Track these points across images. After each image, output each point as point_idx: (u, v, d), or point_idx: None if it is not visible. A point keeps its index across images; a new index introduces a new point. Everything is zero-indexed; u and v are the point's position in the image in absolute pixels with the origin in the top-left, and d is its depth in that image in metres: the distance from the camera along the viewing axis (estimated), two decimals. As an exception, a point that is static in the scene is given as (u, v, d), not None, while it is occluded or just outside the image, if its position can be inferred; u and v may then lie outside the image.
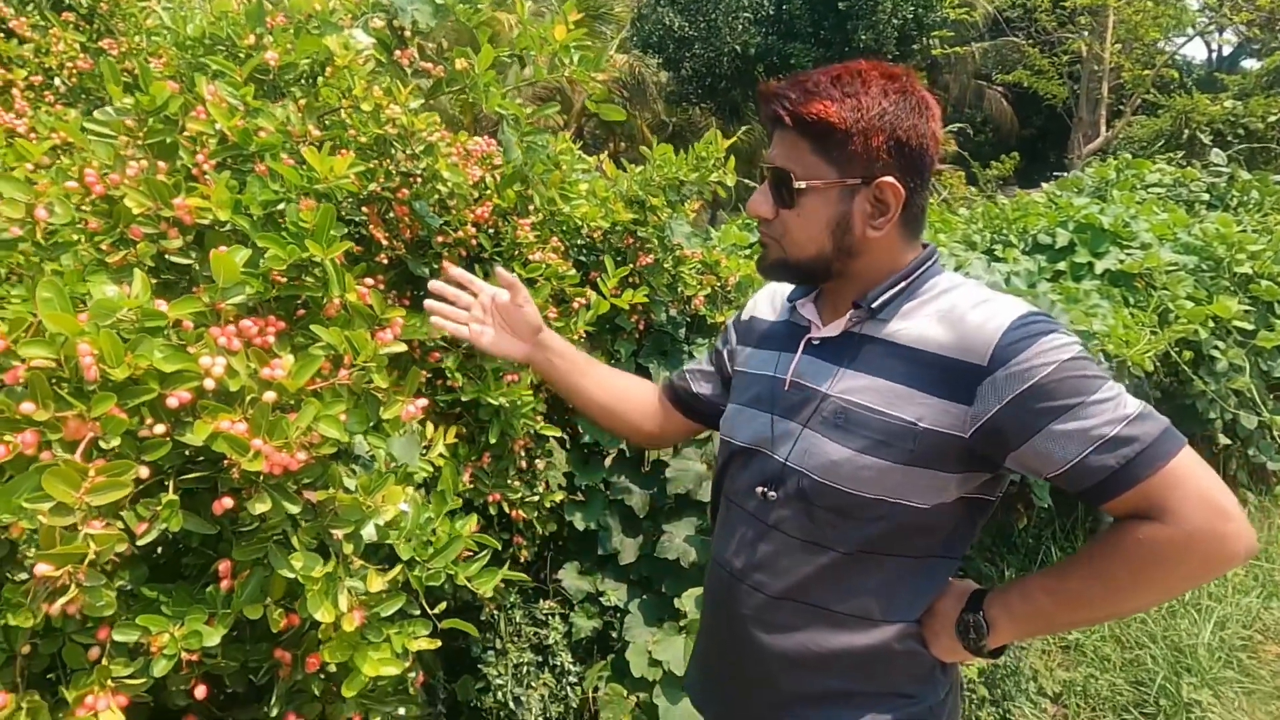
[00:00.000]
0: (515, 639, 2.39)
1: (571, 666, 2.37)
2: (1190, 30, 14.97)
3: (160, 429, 0.98)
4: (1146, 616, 2.89)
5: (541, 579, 2.49)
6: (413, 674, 1.29)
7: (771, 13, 14.22)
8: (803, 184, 1.02)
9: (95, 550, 0.80)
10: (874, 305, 1.06)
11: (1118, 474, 0.90)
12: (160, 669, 0.95)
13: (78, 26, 2.42)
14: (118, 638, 0.96)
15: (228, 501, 1.00)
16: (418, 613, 1.22)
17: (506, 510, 1.94)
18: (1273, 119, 11.24)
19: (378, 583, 1.07)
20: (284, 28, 1.78)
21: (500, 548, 1.34)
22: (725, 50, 14.17)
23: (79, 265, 1.17)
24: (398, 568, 1.13)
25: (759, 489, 1.12)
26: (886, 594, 1.07)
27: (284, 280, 1.24)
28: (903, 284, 1.06)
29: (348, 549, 1.07)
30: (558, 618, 2.43)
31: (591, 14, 17.67)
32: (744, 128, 16.84)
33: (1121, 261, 3.38)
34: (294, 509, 1.01)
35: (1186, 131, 11.59)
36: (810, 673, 1.10)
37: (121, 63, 2.37)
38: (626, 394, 1.42)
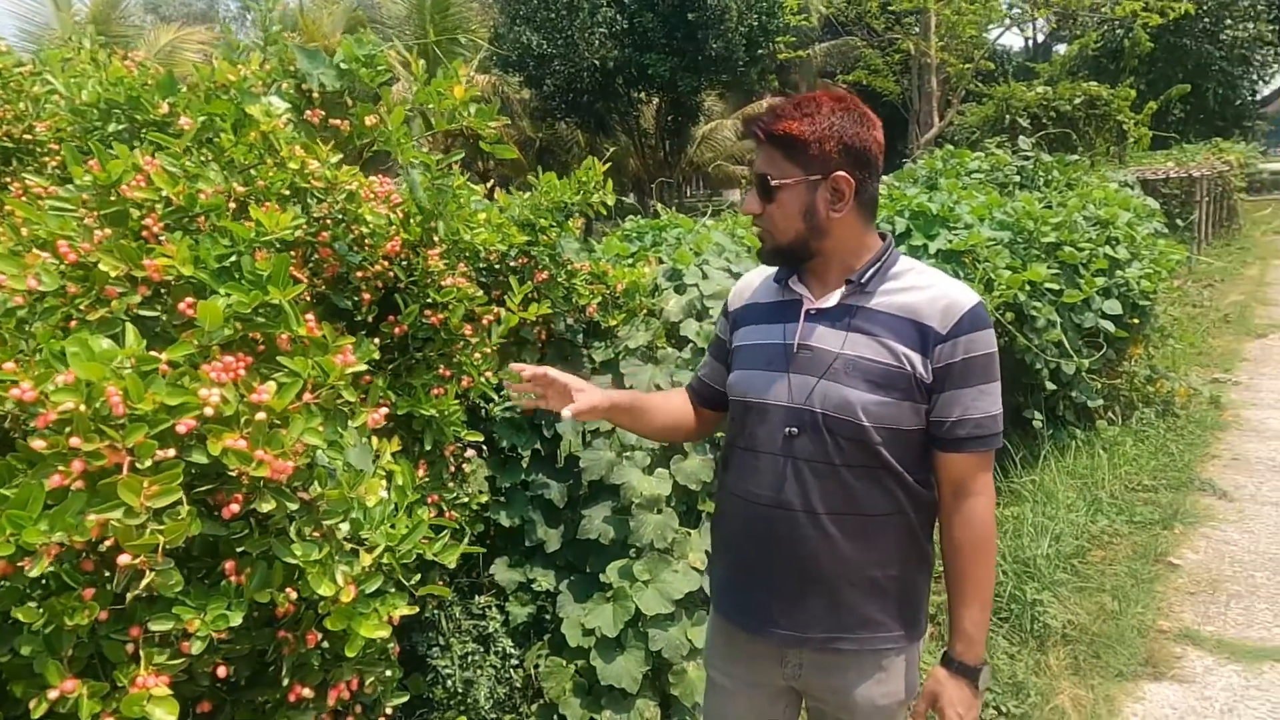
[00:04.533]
0: (457, 634, 2.60)
1: (512, 650, 2.60)
2: (1003, 24, 16.50)
3: (170, 452, 1.18)
4: (999, 539, 3.38)
5: (475, 575, 2.71)
6: (391, 644, 1.52)
7: (626, 26, 14.71)
8: (777, 182, 1.36)
9: (165, 540, 1.01)
10: (863, 281, 1.39)
11: (984, 439, 1.39)
12: (197, 647, 1.15)
13: (-39, 96, 2.45)
14: (154, 627, 1.15)
15: (235, 506, 1.21)
16: (392, 590, 1.45)
17: (444, 510, 2.16)
18: (1078, 101, 12.66)
19: (367, 559, 1.30)
20: (193, 95, 1.96)
21: (456, 528, 1.57)
22: (584, 65, 14.54)
23: (52, 326, 1.34)
24: (379, 548, 1.36)
25: (787, 429, 1.40)
26: (892, 491, 1.40)
27: (241, 323, 1.45)
28: (878, 264, 1.41)
29: (338, 534, 1.29)
30: (494, 609, 2.66)
31: (448, 34, 17.72)
32: (610, 140, 17.30)
33: (950, 241, 3.91)
34: (293, 506, 1.23)
35: (1008, 117, 12.81)
36: (851, 562, 1.39)
37: (1, 128, 2.44)
38: (677, 412, 1.67)
